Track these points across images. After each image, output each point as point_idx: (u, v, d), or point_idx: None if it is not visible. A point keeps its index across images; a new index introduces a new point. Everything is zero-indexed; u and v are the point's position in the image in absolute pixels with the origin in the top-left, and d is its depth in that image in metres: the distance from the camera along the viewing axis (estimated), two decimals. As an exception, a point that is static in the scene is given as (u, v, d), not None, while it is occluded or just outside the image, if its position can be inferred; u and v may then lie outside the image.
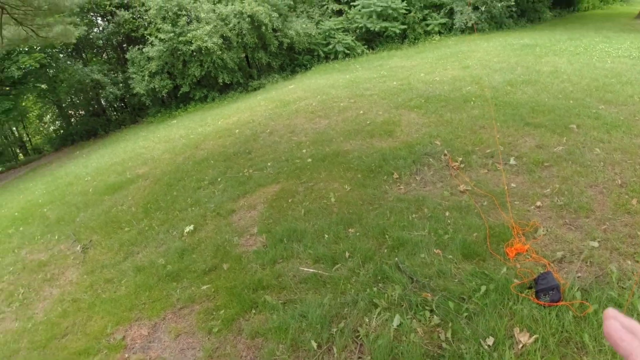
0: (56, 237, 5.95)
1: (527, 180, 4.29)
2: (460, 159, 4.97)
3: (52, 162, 14.69)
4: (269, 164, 6.19)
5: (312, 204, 4.74)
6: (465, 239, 3.47)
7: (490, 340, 2.47)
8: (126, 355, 3.19)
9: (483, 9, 16.13)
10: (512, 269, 3.03)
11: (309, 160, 5.99)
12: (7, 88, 16.14)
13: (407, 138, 5.98)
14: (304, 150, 6.40)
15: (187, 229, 4.83)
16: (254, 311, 3.27)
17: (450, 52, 12.50)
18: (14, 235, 6.67)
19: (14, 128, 23.62)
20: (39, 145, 23.67)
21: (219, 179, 6.08)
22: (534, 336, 2.43)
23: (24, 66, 14.23)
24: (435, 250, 3.43)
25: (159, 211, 5.63)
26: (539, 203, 3.84)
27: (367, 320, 2.88)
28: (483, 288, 2.85)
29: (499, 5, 15.93)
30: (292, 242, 4.06)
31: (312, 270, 3.57)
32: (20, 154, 23.38)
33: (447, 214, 3.95)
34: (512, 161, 4.68)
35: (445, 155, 5.16)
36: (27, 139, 24.59)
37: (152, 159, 8.43)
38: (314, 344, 2.79)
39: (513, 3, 16.12)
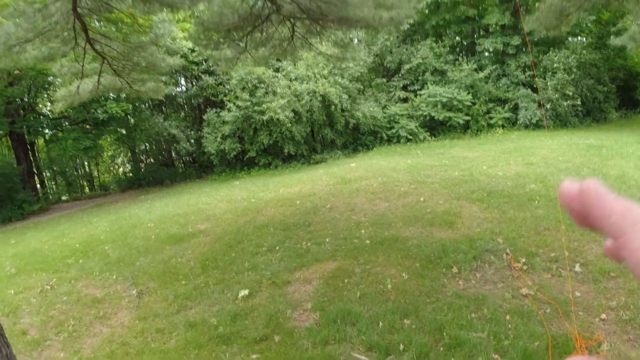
0: (114, 276, 6.18)
1: (592, 289, 4.08)
2: (523, 260, 4.82)
3: (117, 201, 15.53)
4: (327, 239, 6.25)
5: (368, 288, 4.68)
6: (526, 346, 3.29)
7: None
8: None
9: (549, 106, 16.24)
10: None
11: (367, 241, 5.99)
12: (90, 127, 17.65)
13: (468, 231, 5.89)
14: (363, 231, 6.43)
15: (242, 293, 4.88)
16: (301, 393, 3.19)
17: (514, 146, 12.49)
18: (72, 266, 6.99)
19: (86, 163, 25.48)
20: (107, 183, 25.22)
21: (277, 247, 6.18)
22: None
23: (110, 111, 15.58)
24: (494, 355, 3.26)
25: (216, 270, 5.76)
26: (603, 315, 3.63)
27: None
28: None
29: (565, 104, 16.01)
30: (345, 324, 3.99)
31: (364, 358, 3.47)
32: (87, 188, 24.95)
33: (507, 317, 3.78)
34: (577, 268, 4.48)
35: (507, 254, 5.01)
36: (97, 175, 26.33)
37: (213, 216, 8.74)
38: None
39: (579, 102, 16.17)
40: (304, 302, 4.56)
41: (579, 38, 19.24)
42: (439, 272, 4.83)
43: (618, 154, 9.72)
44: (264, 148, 16.33)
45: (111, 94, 15.16)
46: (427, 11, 19.53)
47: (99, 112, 15.57)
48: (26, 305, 5.60)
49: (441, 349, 3.45)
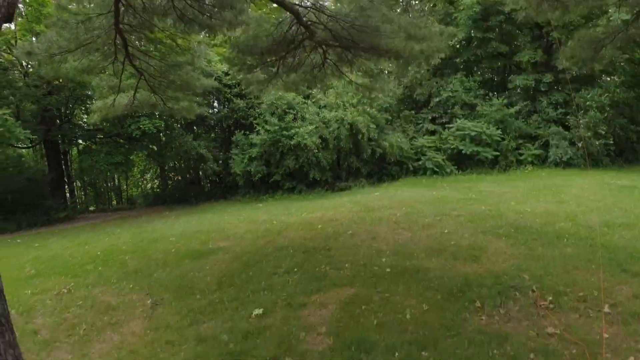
0: (130, 286, 6.22)
1: (622, 332, 3.87)
2: (550, 298, 4.61)
3: (142, 215, 15.80)
4: (346, 265, 6.16)
5: (385, 317, 4.55)
6: None
7: None
8: None
9: (580, 145, 15.87)
10: None
11: (388, 270, 5.87)
12: (122, 141, 18.18)
13: (493, 266, 5.71)
14: (384, 259, 6.31)
15: (256, 311, 4.81)
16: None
17: (543, 184, 12.20)
18: (91, 273, 7.09)
19: (116, 176, 26.15)
20: (134, 197, 25.77)
21: (295, 269, 6.12)
22: None
23: (143, 127, 16.04)
24: None
25: (232, 287, 5.73)
26: (632, 358, 3.42)
27: None
28: None
29: (597, 142, 15.62)
30: (360, 351, 3.86)
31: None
32: (114, 200, 25.52)
33: (532, 355, 3.59)
34: (606, 309, 4.25)
35: (533, 291, 4.81)
36: (125, 188, 26.95)
37: (234, 235, 8.77)
38: None
39: (611, 142, 15.76)
40: (318, 325, 4.46)
41: (613, 77, 18.93)
42: (461, 306, 4.67)
43: (651, 195, 9.40)
44: (289, 172, 16.42)
45: (145, 111, 15.65)
46: (458, 46, 19.65)
47: (133, 127, 16.04)
48: (41, 306, 5.68)
49: None
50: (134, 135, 16.28)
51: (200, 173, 21.08)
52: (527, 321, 4.26)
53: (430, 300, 4.85)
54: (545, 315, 4.31)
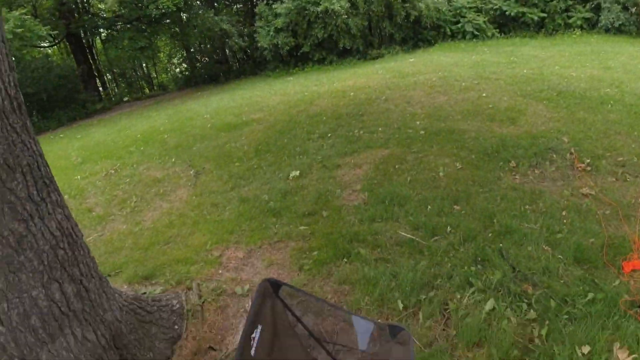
0: (173, 160, 6.46)
1: None
2: (588, 160, 4.46)
3: (175, 98, 15.92)
4: (380, 128, 6.09)
5: (419, 174, 4.58)
6: (580, 242, 3.12)
7: (586, 349, 2.24)
8: (220, 271, 3.38)
9: (633, 10, 14.19)
10: (624, 284, 2.67)
11: (422, 132, 5.78)
12: (144, 25, 17.61)
13: (531, 129, 5.51)
14: (418, 122, 6.19)
15: (293, 173, 4.95)
16: (345, 260, 3.27)
17: (591, 49, 11.21)
18: (134, 153, 7.37)
19: (144, 64, 26.03)
20: (164, 82, 25.86)
21: (329, 135, 6.13)
22: (633, 356, 2.15)
23: (162, 7, 15.30)
24: (544, 246, 3.14)
25: (268, 153, 5.86)
26: None
27: (459, 297, 2.74)
28: (590, 295, 2.57)
29: None
30: (393, 205, 3.96)
31: (409, 235, 3.47)
32: (146, 88, 25.73)
33: (563, 213, 3.58)
34: None
35: (571, 154, 4.66)
36: (155, 75, 26.95)
37: (267, 107, 8.76)
38: (400, 305, 2.74)
39: None
40: (353, 183, 4.56)
41: None
42: (495, 165, 4.61)
43: None
44: (318, 42, 15.59)
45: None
46: None
47: (152, 8, 15.34)
48: (92, 188, 6.02)
49: (490, 235, 3.36)
50: (153, 17, 15.63)
51: (227, 51, 20.55)
52: (562, 181, 4.19)
53: (464, 159, 4.81)
54: (581, 177, 4.20)
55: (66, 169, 7.23)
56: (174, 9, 15.88)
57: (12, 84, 1.92)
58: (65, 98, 15.97)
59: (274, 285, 1.78)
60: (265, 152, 5.92)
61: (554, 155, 4.68)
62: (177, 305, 2.90)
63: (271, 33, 15.72)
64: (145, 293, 3.10)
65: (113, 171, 6.58)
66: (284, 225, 3.88)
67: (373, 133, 5.96)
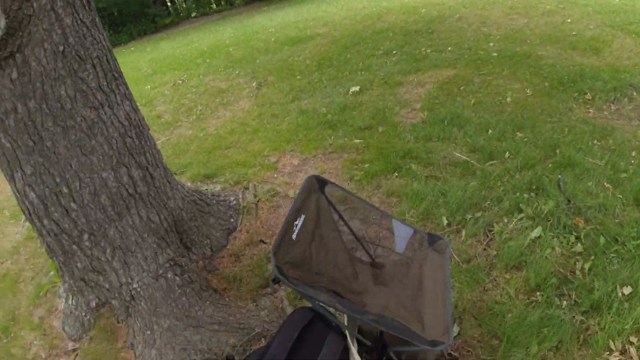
0: (237, 72, 6.57)
1: None
2: None
3: (241, 13, 15.82)
4: (449, 48, 5.75)
5: (484, 97, 4.37)
6: None
7: (627, 290, 2.20)
8: (275, 175, 3.55)
9: None
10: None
11: (494, 54, 5.40)
12: None
13: (614, 61, 4.97)
14: (491, 44, 5.77)
15: (353, 89, 4.89)
16: (396, 174, 3.30)
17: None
18: (201, 65, 7.54)
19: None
20: (231, -3, 25.51)
21: (394, 52, 5.89)
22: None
23: None
24: (605, 183, 2.97)
25: (330, 68, 5.78)
26: None
27: (506, 221, 2.73)
28: (643, 238, 2.46)
29: None
30: (452, 126, 3.85)
31: (464, 157, 3.40)
32: (213, 3, 25.55)
33: (633, 153, 3.33)
34: None
35: (653, 93, 4.23)
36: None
37: (332, 22, 8.49)
38: (445, 221, 2.78)
39: None
40: (413, 102, 4.45)
41: None
42: (568, 96, 4.28)
43: None
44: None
45: None
46: None
47: None
48: (161, 97, 6.31)
49: (550, 165, 3.22)
50: None
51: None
52: (638, 121, 3.84)
53: (537, 86, 4.50)
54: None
55: (137, 79, 7.57)
56: None
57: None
58: (135, 13, 16.30)
59: (320, 182, 1.85)
60: (327, 67, 5.84)
61: (634, 93, 4.29)
62: (234, 202, 3.12)
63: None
64: (206, 189, 3.34)
65: (180, 81, 6.82)
66: (339, 137, 3.93)
67: (441, 52, 5.65)
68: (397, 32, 6.75)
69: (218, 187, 3.41)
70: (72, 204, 2.10)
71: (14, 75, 1.81)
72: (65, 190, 2.07)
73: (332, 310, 1.63)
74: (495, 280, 2.38)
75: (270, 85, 5.68)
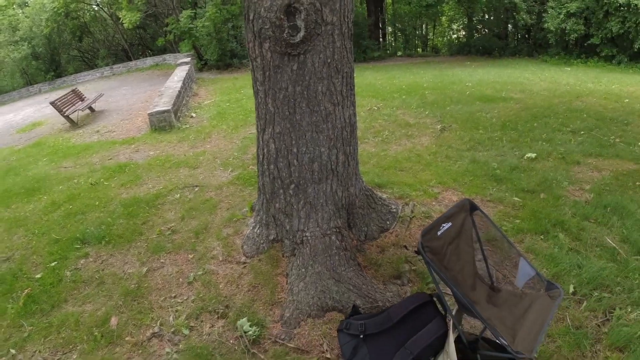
0: (426, 112, 7.38)
1: None
2: None
3: (444, 62, 16.71)
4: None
5: (659, 199, 4.28)
6: None
7: None
8: (433, 203, 4.19)
9: None
10: None
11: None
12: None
13: None
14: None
15: (529, 154, 5.23)
16: (542, 237, 3.57)
17: None
18: (396, 99, 8.64)
19: (424, 24, 27.33)
20: (438, 46, 26.71)
21: (581, 132, 6.01)
22: None
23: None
24: None
25: (513, 131, 6.20)
26: None
27: (629, 310, 2.74)
28: None
29: None
30: (614, 214, 3.90)
31: (614, 244, 3.47)
32: (420, 48, 27.08)
33: None
34: None
35: None
36: (431, 37, 28.00)
37: (529, 90, 8.74)
38: (572, 288, 2.96)
39: None
40: (584, 182, 4.59)
41: None
42: None
43: None
44: (611, 37, 13.86)
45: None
46: None
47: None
48: (357, 117, 7.40)
49: None
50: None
51: (509, 26, 19.89)
52: None
53: None
54: None
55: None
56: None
57: (350, 19, 2.97)
58: (353, 41, 18.88)
59: (472, 206, 2.37)
60: (510, 129, 6.25)
61: None
62: (394, 209, 3.85)
63: (561, 16, 14.63)
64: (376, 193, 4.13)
65: (376, 108, 7.91)
66: (501, 191, 4.36)
67: (630, 145, 5.57)
68: (592, 114, 6.76)
69: (384, 196, 4.16)
70: (295, 161, 3.10)
71: (295, 67, 2.86)
72: (294, 150, 3.10)
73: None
74: (595, 353, 2.53)
75: (453, 131, 6.31)
